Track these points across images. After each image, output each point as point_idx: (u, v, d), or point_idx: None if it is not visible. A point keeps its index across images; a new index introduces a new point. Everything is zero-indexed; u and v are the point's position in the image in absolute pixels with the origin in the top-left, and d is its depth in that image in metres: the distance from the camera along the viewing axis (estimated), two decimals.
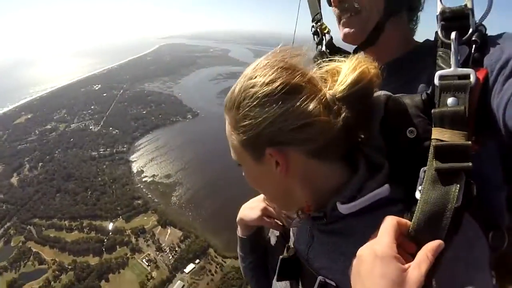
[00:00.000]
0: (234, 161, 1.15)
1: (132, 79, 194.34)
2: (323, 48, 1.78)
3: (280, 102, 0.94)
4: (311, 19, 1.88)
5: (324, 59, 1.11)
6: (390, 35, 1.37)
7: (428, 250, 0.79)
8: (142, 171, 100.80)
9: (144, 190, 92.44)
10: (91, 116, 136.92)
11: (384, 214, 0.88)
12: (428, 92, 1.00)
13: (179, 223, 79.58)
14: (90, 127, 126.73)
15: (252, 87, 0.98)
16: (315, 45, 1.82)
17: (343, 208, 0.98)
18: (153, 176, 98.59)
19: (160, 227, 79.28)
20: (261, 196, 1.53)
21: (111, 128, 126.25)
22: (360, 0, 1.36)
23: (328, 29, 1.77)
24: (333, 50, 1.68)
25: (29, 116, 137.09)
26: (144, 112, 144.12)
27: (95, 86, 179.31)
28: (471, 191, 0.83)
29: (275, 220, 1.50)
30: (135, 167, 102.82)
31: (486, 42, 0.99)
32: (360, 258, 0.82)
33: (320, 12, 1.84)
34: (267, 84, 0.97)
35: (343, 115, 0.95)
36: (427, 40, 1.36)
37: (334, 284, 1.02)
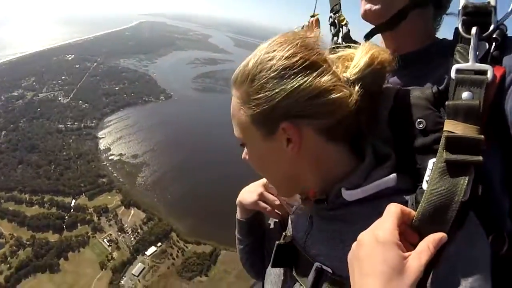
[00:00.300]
0: (237, 140, 1.12)
1: (108, 53, 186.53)
2: (339, 40, 1.74)
3: (300, 75, 0.94)
4: (329, 9, 1.85)
5: (339, 46, 1.12)
6: (411, 26, 1.33)
7: (430, 241, 0.78)
8: (109, 149, 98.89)
9: (109, 168, 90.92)
10: (61, 87, 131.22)
11: (389, 203, 0.88)
12: (440, 87, 1.00)
13: (143, 205, 78.95)
14: (59, 98, 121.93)
15: (271, 59, 0.98)
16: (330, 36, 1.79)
17: (348, 195, 0.99)
18: (120, 155, 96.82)
19: (123, 207, 78.43)
20: (262, 180, 1.51)
21: (80, 102, 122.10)
22: None
23: (346, 21, 1.73)
24: (349, 43, 1.54)
25: None
26: (117, 88, 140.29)
27: (68, 56, 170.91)
28: (477, 188, 0.83)
29: (271, 206, 1.48)
30: (102, 144, 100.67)
31: (506, 42, 0.97)
32: (360, 243, 0.82)
33: (340, 2, 1.80)
34: (287, 58, 0.97)
35: (357, 94, 0.95)
36: (445, 39, 1.34)
37: (331, 271, 1.02)
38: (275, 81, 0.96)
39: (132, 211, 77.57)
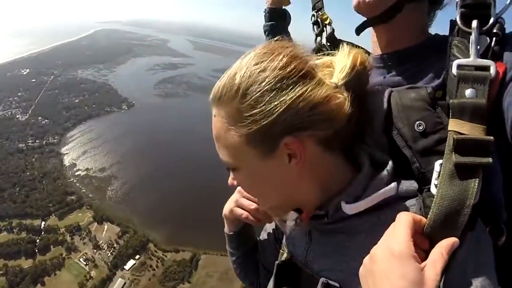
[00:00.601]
0: (224, 165, 1.03)
1: (64, 64, 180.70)
2: (323, 41, 1.63)
3: (298, 85, 0.90)
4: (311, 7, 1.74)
5: (321, 50, 1.04)
6: (406, 20, 1.26)
7: (443, 248, 0.77)
8: (75, 165, 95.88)
9: (77, 184, 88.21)
10: (18, 104, 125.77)
11: (392, 212, 0.87)
12: (433, 85, 0.98)
13: (116, 219, 77.50)
14: (17, 116, 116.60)
15: (262, 71, 0.91)
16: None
17: (348, 208, 0.95)
18: (87, 169, 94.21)
19: (96, 223, 76.62)
20: (239, 187, 1.44)
21: (40, 118, 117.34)
22: None
23: (330, 19, 1.64)
24: (334, 43, 1.54)
25: None
26: (77, 101, 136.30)
27: (23, 71, 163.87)
28: (484, 189, 0.82)
29: (247, 211, 1.42)
30: (67, 160, 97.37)
31: (505, 36, 0.95)
32: (374, 258, 0.78)
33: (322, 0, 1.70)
34: (281, 68, 0.91)
35: (349, 98, 0.93)
36: (437, 34, 1.29)
37: (338, 285, 0.99)
38: (272, 93, 0.90)
39: (106, 226, 75.89)
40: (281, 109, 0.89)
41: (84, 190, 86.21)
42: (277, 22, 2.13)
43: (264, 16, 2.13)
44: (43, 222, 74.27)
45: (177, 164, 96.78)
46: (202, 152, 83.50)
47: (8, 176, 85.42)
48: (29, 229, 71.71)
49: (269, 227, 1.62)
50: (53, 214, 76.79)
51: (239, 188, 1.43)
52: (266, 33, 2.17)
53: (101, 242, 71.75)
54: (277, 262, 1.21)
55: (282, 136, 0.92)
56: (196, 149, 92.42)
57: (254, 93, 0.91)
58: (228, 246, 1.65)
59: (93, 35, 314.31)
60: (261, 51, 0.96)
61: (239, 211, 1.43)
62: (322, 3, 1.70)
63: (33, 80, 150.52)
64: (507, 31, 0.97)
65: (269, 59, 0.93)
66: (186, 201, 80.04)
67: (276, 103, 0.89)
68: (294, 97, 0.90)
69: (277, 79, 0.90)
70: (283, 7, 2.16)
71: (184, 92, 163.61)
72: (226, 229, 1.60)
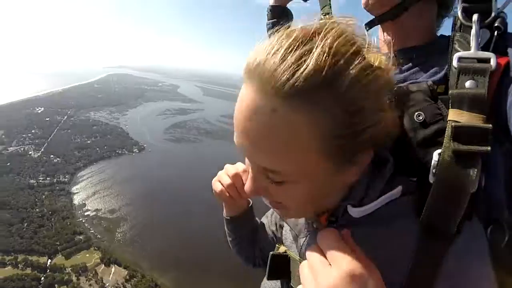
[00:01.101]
0: (274, 178, 0.85)
1: (78, 105, 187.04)
2: None
3: (378, 80, 0.80)
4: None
5: None
6: (415, 19, 1.28)
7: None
8: (85, 205, 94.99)
9: (86, 225, 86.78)
10: (31, 141, 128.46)
11: (394, 207, 0.87)
12: (434, 78, 0.99)
13: (124, 261, 75.11)
14: (30, 153, 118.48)
15: (347, 62, 0.73)
16: None
17: (355, 212, 0.93)
18: (96, 210, 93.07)
19: (103, 265, 74.36)
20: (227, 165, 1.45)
21: (52, 156, 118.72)
22: None
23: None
24: None
25: None
26: (89, 142, 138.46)
27: (37, 109, 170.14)
28: (481, 179, 0.81)
29: (224, 186, 1.42)
30: (76, 200, 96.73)
31: (507, 33, 0.95)
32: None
33: (330, 3, 1.70)
34: (363, 66, 0.76)
35: None
36: (443, 35, 1.31)
37: None
38: (369, 93, 0.78)
39: (113, 269, 73.54)
40: (378, 118, 0.80)
41: (92, 231, 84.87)
42: (280, 19, 2.08)
43: (267, 14, 2.16)
44: (49, 260, 72.57)
45: (186, 208, 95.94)
46: (212, 197, 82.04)
47: (17, 211, 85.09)
48: (35, 266, 69.98)
49: (271, 212, 1.63)
50: (60, 252, 75.09)
51: (227, 165, 1.44)
52: (269, 31, 2.09)
53: (107, 285, 69.49)
54: (271, 252, 1.15)
55: (366, 148, 0.85)
56: (205, 194, 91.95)
57: (355, 93, 0.75)
58: (226, 227, 1.67)
59: (105, 78, 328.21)
60: (335, 35, 0.76)
61: (217, 184, 1.44)
62: (330, 7, 1.68)
63: (47, 119, 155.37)
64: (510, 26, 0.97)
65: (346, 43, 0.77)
66: (195, 246, 78.45)
67: (375, 109, 0.80)
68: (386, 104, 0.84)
69: (358, 72, 0.75)
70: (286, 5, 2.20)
71: (194, 137, 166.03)
72: (224, 212, 1.62)
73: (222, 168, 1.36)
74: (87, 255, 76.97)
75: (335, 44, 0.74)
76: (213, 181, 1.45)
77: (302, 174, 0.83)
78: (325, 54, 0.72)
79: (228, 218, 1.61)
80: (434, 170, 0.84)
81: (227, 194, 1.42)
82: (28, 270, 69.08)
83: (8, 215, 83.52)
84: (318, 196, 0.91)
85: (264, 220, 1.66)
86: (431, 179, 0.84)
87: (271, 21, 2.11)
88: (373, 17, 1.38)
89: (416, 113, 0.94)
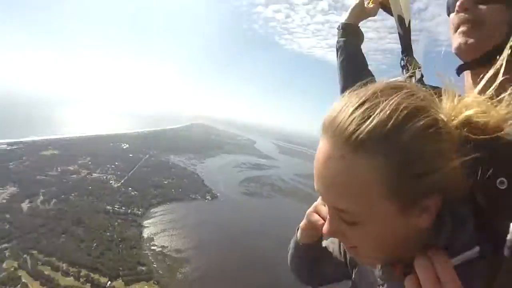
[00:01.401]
0: (345, 218, 0.93)
1: (160, 148, 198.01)
2: None
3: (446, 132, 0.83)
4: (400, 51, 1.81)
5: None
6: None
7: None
8: (153, 239, 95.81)
9: (150, 258, 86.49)
10: (113, 172, 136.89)
11: (470, 270, 0.84)
12: None
13: None
14: (111, 182, 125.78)
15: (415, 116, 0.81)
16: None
17: None
18: (163, 247, 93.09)
19: None
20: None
21: (130, 189, 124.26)
22: (485, 15, 1.25)
23: (419, 64, 1.67)
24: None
25: (55, 152, 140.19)
26: (165, 182, 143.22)
27: (123, 145, 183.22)
28: None
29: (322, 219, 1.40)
30: (146, 233, 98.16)
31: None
32: None
33: (410, 44, 1.77)
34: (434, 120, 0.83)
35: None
36: None
37: None
38: (432, 144, 0.82)
39: None
40: (443, 164, 0.82)
41: (155, 265, 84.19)
42: (350, 38, 2.18)
43: (338, 31, 2.15)
44: (109, 282, 72.69)
45: (250, 262, 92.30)
46: (278, 255, 79.36)
47: (90, 231, 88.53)
48: (95, 283, 70.91)
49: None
50: (121, 277, 74.96)
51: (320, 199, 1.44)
52: (339, 50, 2.17)
53: None
54: None
55: (430, 193, 0.86)
56: (272, 251, 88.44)
57: (412, 138, 0.81)
58: (294, 251, 1.68)
59: (189, 126, 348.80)
60: (403, 92, 0.85)
61: (314, 216, 1.44)
62: (411, 46, 1.76)
63: (130, 155, 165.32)
64: None
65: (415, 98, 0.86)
66: None
67: (437, 155, 0.83)
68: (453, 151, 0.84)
69: (433, 127, 0.82)
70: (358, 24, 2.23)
71: (267, 193, 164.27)
72: (297, 237, 1.61)
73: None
74: (146, 286, 75.88)
75: (399, 100, 0.82)
76: (308, 212, 1.45)
77: (368, 215, 0.89)
78: (389, 110, 0.80)
79: (301, 244, 1.60)
80: (509, 244, 0.81)
81: (319, 224, 1.40)
82: (88, 286, 70.24)
83: (81, 231, 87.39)
84: (390, 241, 0.94)
85: (329, 244, 1.67)
86: (506, 252, 0.81)
87: (341, 39, 2.16)
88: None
89: (499, 180, 0.88)
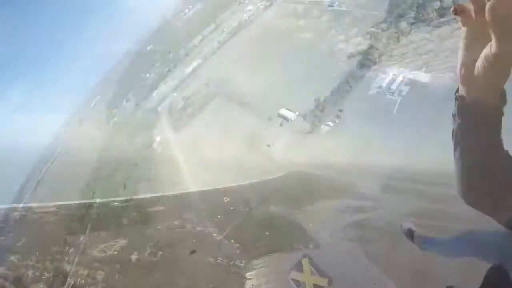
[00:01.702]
0: None
1: (259, 199, 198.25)
2: None
3: None
4: None
5: None
6: None
7: None
8: None
9: None
10: (216, 225, 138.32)
11: None
12: None
13: None
14: (214, 234, 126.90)
15: None
16: None
17: None
18: None
19: None
20: None
21: (232, 241, 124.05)
22: None
23: None
24: None
25: (162, 208, 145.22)
26: (267, 232, 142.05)
27: (225, 199, 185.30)
28: None
29: None
30: (248, 285, 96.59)
31: None
32: None
33: None
34: None
35: None
36: None
37: None
38: None
39: None
40: None
41: None
42: None
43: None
44: None
45: None
46: None
47: (192, 282, 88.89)
48: None
49: None
50: None
51: None
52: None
53: None
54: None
55: None
56: None
57: None
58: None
59: (287, 175, 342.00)
60: None
61: None
62: None
63: (231, 208, 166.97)
64: None
65: None
66: None
67: None
68: None
69: None
70: None
71: (371, 238, 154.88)
72: None
73: None
74: None
75: None
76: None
77: None
78: None
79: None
80: None
81: None
82: None
83: (183, 281, 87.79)
84: None
85: None
86: None
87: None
88: None
89: None
